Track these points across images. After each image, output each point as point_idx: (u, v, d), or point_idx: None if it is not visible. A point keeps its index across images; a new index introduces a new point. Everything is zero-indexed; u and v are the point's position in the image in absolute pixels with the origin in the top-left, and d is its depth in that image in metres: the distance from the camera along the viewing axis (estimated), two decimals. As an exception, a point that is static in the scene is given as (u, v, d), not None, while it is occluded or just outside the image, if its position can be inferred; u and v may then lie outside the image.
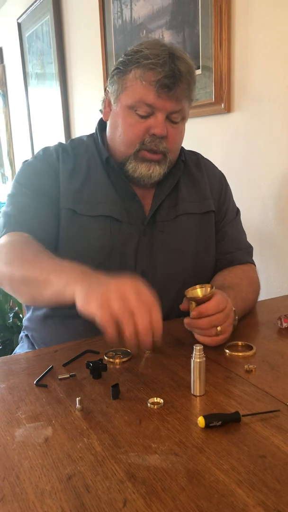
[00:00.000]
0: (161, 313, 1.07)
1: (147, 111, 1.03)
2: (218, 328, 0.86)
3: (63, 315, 1.09)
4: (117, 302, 0.72)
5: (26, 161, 1.15)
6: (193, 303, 0.87)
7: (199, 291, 0.88)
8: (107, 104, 1.12)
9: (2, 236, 1.02)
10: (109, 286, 0.75)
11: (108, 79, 1.10)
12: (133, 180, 1.10)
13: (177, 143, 1.11)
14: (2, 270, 0.94)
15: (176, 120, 1.06)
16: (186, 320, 0.89)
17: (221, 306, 0.86)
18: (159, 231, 1.11)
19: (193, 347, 0.74)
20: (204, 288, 0.88)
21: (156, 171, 1.07)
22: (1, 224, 1.05)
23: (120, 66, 1.06)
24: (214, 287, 0.88)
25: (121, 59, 1.07)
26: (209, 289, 0.87)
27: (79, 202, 1.07)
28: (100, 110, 1.16)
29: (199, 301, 0.86)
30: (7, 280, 0.94)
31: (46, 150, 1.14)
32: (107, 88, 1.11)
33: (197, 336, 0.89)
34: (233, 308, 0.94)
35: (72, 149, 1.14)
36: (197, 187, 1.18)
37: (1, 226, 1.04)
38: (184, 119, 1.09)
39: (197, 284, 0.89)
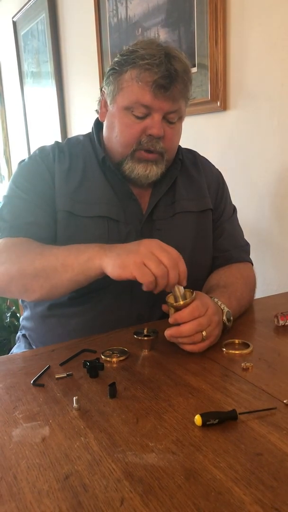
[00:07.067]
0: (158, 312, 1.07)
1: (144, 112, 1.02)
2: (204, 333, 0.84)
3: (60, 314, 1.09)
4: (152, 263, 0.82)
5: (22, 161, 1.14)
6: (172, 309, 0.86)
7: (180, 298, 0.86)
8: (103, 104, 1.11)
9: None
10: (138, 250, 0.84)
11: (104, 79, 1.09)
12: (130, 180, 1.09)
13: (174, 143, 1.11)
14: (7, 271, 0.94)
15: (172, 120, 1.05)
16: (166, 332, 0.86)
17: (196, 313, 0.84)
18: (156, 229, 1.11)
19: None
20: (184, 294, 0.86)
21: (153, 171, 1.06)
22: None
23: (116, 67, 1.05)
24: (194, 293, 0.86)
25: (116, 59, 1.06)
26: (188, 293, 0.86)
27: (75, 203, 1.06)
28: (96, 111, 1.15)
29: (178, 308, 0.85)
30: (18, 277, 0.94)
31: (42, 150, 1.13)
32: (103, 89, 1.11)
33: (183, 346, 0.86)
34: (227, 309, 0.94)
35: (69, 148, 1.13)
36: (195, 185, 1.18)
37: None
38: (181, 118, 1.08)
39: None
